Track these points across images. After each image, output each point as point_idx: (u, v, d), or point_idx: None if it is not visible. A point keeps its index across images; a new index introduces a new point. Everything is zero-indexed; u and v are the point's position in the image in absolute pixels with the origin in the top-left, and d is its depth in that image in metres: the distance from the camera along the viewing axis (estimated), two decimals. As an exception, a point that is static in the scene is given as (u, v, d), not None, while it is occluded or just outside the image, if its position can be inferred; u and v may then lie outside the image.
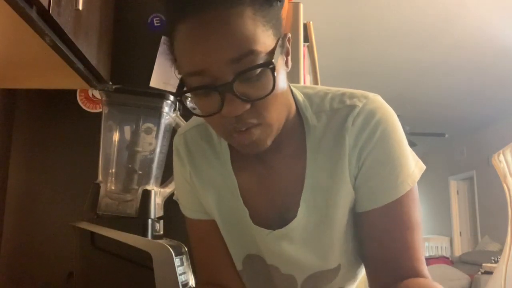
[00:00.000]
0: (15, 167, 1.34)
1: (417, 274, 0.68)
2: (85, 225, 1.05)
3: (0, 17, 0.86)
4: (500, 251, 3.77)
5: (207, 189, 0.79)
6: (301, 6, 1.49)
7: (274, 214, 0.75)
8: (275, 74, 0.58)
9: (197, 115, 0.64)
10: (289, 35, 0.67)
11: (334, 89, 0.74)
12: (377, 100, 0.71)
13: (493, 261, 4.84)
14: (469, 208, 7.93)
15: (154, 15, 1.39)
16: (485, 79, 5.09)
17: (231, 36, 0.56)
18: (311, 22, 1.74)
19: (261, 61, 0.58)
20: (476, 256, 6.01)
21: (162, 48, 1.34)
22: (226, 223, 0.79)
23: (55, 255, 1.28)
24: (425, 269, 0.69)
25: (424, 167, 0.73)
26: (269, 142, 0.64)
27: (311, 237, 0.74)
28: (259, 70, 0.58)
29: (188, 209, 0.83)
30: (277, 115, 0.63)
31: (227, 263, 0.81)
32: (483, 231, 7.06)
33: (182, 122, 1.21)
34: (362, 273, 0.84)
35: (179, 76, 0.64)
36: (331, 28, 3.85)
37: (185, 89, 0.62)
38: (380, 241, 0.70)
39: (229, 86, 0.57)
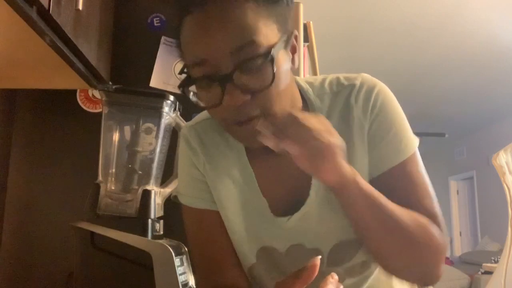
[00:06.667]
0: (15, 167, 1.34)
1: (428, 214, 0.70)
2: (85, 225, 1.05)
3: (0, 17, 0.86)
4: (500, 251, 3.76)
5: (222, 180, 0.78)
6: (301, 6, 1.49)
7: (290, 199, 0.75)
8: (275, 66, 0.59)
9: (199, 107, 0.65)
10: (296, 33, 0.68)
11: (328, 75, 0.79)
12: (370, 77, 0.77)
13: (493, 261, 4.83)
14: (469, 208, 7.94)
15: (154, 15, 1.38)
16: (485, 79, 5.09)
17: (232, 27, 0.59)
18: (311, 22, 1.74)
19: (261, 53, 0.59)
20: (476, 256, 6.00)
21: (162, 48, 1.35)
22: (242, 216, 0.78)
23: (55, 255, 1.28)
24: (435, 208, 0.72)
25: (418, 139, 0.77)
26: None
27: (327, 211, 0.74)
28: (259, 61, 0.59)
29: (193, 198, 0.81)
30: (280, 108, 0.63)
31: (231, 258, 0.80)
32: (483, 231, 7.07)
33: (182, 122, 1.21)
34: None
35: (179, 76, 0.65)
36: (331, 28, 3.85)
37: (187, 80, 0.64)
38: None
39: (229, 76, 0.59)
